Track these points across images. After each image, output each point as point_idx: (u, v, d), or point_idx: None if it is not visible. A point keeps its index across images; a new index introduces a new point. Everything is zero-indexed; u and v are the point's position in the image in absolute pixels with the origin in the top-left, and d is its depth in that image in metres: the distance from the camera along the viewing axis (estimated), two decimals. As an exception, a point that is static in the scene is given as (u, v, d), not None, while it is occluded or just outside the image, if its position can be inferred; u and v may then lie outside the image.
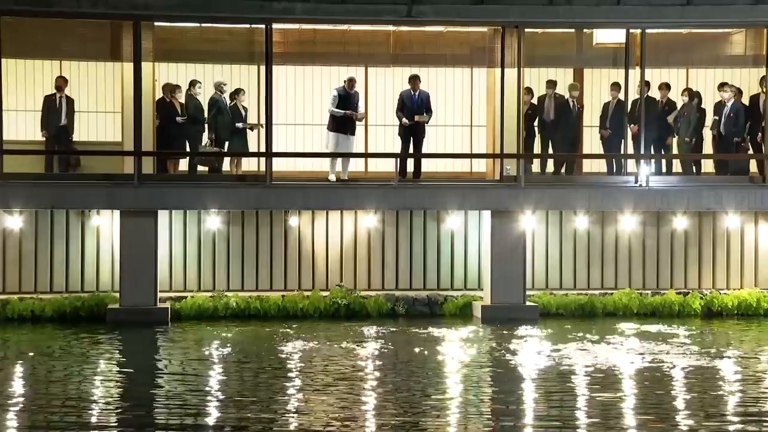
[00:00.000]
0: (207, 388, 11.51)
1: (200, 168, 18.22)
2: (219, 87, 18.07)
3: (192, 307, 17.01)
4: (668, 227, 18.52)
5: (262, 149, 18.15)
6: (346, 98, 18.10)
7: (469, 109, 20.37)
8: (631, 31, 18.20)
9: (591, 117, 19.43)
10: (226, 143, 18.10)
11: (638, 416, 10.47)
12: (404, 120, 18.24)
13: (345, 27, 18.57)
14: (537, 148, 19.22)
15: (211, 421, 9.82)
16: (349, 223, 18.22)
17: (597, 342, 14.94)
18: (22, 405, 10.80)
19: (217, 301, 17.12)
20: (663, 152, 19.21)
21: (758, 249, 18.70)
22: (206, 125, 17.91)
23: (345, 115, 17.87)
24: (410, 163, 18.48)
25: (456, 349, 14.47)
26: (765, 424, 10.05)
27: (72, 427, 9.78)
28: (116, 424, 9.99)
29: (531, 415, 10.51)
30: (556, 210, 18.17)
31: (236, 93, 18.64)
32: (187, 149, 18.08)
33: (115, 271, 17.42)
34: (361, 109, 18.43)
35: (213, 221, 17.75)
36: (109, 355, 14.13)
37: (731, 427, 10.01)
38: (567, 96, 18.95)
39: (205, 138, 17.91)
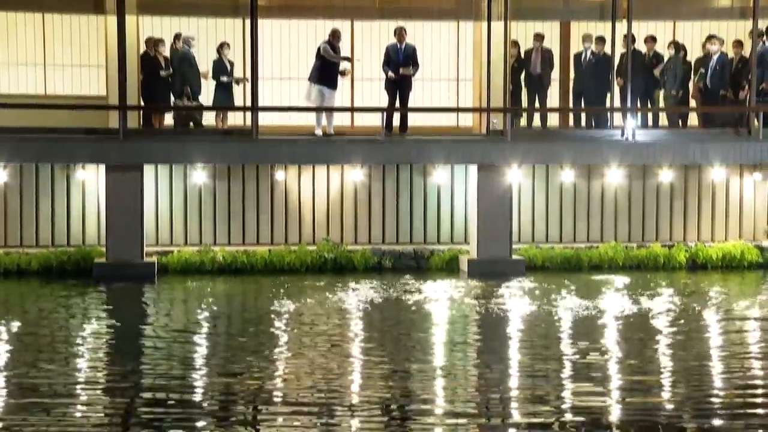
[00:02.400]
0: (191, 350, 11.40)
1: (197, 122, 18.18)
2: (187, 41, 17.97)
3: (179, 262, 16.91)
4: (654, 180, 18.41)
5: (248, 104, 17.98)
6: (333, 51, 18.06)
7: (455, 63, 20.24)
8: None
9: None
10: (200, 96, 18.12)
11: (625, 371, 10.50)
12: (390, 74, 18.14)
13: (330, -20, 18.52)
14: (524, 103, 19.15)
15: (195, 390, 9.66)
16: (335, 178, 18.08)
17: (583, 294, 14.99)
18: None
19: (204, 256, 17.03)
20: (649, 105, 19.28)
21: (743, 202, 18.65)
22: (177, 79, 17.84)
23: (343, 60, 17.79)
24: (396, 118, 18.40)
25: (442, 302, 14.46)
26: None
27: (58, 387, 9.74)
28: (102, 384, 9.93)
29: (516, 369, 10.51)
30: (542, 164, 18.00)
31: (221, 47, 18.52)
32: (172, 104, 18.05)
33: (101, 226, 17.25)
34: (343, 63, 18.35)
35: (199, 176, 17.55)
36: (95, 310, 14.10)
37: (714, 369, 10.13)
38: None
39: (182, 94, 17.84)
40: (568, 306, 13.90)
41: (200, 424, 8.25)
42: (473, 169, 17.56)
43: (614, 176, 18.21)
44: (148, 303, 14.74)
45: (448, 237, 18.22)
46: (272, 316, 13.32)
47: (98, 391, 9.46)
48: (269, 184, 17.89)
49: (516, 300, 14.48)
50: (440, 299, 14.60)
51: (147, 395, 9.13)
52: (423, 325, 12.85)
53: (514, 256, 17.38)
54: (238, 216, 17.84)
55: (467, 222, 18.04)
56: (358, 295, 14.79)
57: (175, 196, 17.78)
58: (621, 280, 16.38)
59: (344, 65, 18.24)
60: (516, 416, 8.55)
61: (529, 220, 18.41)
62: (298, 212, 18.00)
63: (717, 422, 8.37)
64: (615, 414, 8.61)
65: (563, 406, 8.83)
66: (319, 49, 18.15)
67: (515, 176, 17.56)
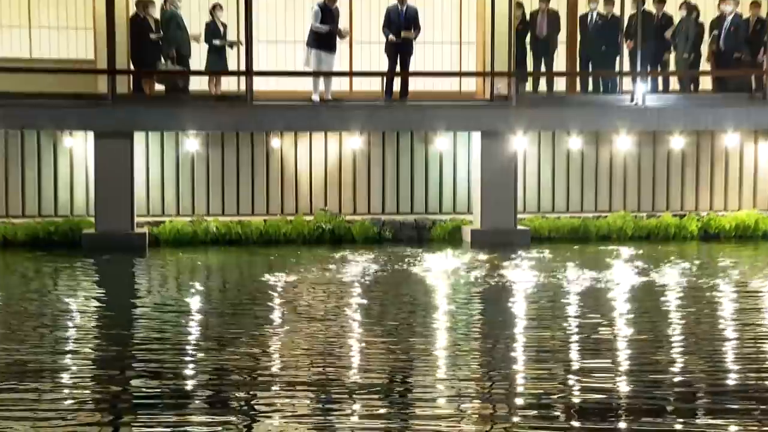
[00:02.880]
0: (182, 326, 11.16)
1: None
2: (173, 2, 17.73)
3: (170, 233, 16.76)
4: (665, 147, 18.20)
5: (242, 68, 17.74)
6: (328, 14, 17.67)
7: (458, 26, 20.13)
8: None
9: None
10: (189, 60, 17.92)
11: (633, 342, 10.28)
12: (391, 37, 17.91)
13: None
14: (529, 67, 18.97)
15: (187, 370, 9.37)
16: (333, 145, 17.88)
17: (590, 266, 14.81)
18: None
19: (197, 226, 16.90)
20: (660, 69, 19.09)
21: (757, 169, 18.40)
22: (165, 42, 17.64)
23: (330, 31, 17.48)
24: (397, 83, 18.18)
25: (444, 274, 14.31)
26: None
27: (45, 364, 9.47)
28: (91, 358, 9.68)
29: (521, 345, 10.30)
30: (548, 131, 17.83)
31: (214, 8, 18.33)
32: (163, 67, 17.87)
33: (90, 195, 17.06)
34: (342, 25, 18.07)
35: (191, 143, 17.36)
36: (84, 282, 13.89)
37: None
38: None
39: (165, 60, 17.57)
40: (575, 278, 13.80)
41: (191, 405, 8.01)
42: (476, 136, 17.40)
43: (623, 143, 18.06)
44: (138, 275, 14.66)
45: (450, 207, 18.15)
46: (267, 289, 13.17)
47: (85, 370, 9.19)
48: (264, 152, 17.74)
49: (521, 272, 14.36)
50: (442, 271, 14.48)
51: (135, 376, 8.87)
52: (424, 299, 12.70)
53: (519, 227, 17.30)
54: (232, 185, 17.73)
55: (470, 191, 17.95)
56: (356, 268, 14.64)
57: (166, 164, 17.61)
58: (630, 251, 16.25)
59: (344, 29, 17.96)
60: (521, 399, 8.31)
61: (535, 189, 18.31)
62: (294, 181, 17.88)
63: (731, 404, 8.08)
64: (623, 394, 8.36)
65: (571, 386, 8.59)
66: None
67: (520, 143, 17.44)
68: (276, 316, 11.66)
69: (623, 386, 8.60)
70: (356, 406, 8.05)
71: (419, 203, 18.08)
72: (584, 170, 18.31)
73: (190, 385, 8.74)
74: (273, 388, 8.61)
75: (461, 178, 18.10)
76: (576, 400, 8.22)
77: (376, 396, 8.35)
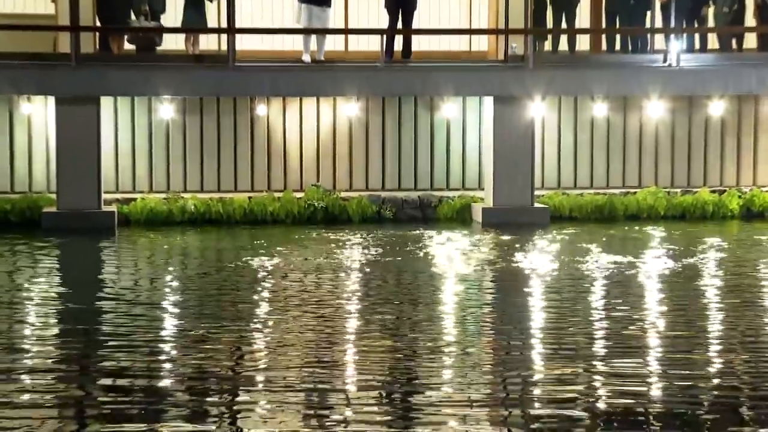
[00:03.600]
0: (155, 319, 10.98)
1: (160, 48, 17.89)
2: None
3: (142, 211, 16.84)
4: (702, 114, 18.25)
5: (224, 25, 17.86)
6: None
7: (468, -24, 20.30)
8: None
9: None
10: (162, 16, 17.86)
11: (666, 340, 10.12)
12: (391, -11, 18.01)
13: None
14: (549, 23, 18.83)
15: (161, 372, 9.18)
16: (326, 112, 17.94)
17: (618, 249, 14.71)
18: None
19: (172, 204, 16.96)
20: (697, 25, 19.03)
21: (808, 139, 18.64)
22: None
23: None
24: (398, 41, 18.20)
25: (452, 259, 14.21)
26: None
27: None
28: (51, 362, 9.49)
29: (538, 343, 10.14)
30: (570, 95, 17.91)
31: (192, -43, 18.16)
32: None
33: (51, 169, 17.06)
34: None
35: (166, 110, 17.37)
36: (43, 268, 13.71)
37: None
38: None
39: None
40: (600, 264, 13.66)
41: (164, 414, 7.84)
42: (488, 101, 17.40)
43: (655, 109, 18.08)
44: (105, 260, 14.55)
45: (459, 182, 18.29)
46: (252, 276, 13.06)
47: (42, 371, 9.03)
48: (248, 120, 17.81)
49: (539, 256, 14.29)
50: (450, 255, 14.45)
51: (104, 380, 8.69)
52: (430, 288, 12.55)
53: (537, 204, 17.37)
54: (212, 158, 17.78)
55: (482, 164, 18.03)
56: (353, 252, 14.61)
57: (137, 134, 17.65)
58: (662, 232, 16.27)
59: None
60: (538, 404, 8.14)
61: (555, 162, 18.39)
62: (282, 153, 17.92)
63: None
64: (654, 401, 8.20)
65: (595, 390, 8.42)
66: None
67: (538, 110, 17.46)
68: (262, 308, 11.49)
69: (654, 391, 8.44)
70: (352, 414, 7.89)
71: (424, 178, 18.17)
72: (610, 140, 18.42)
73: (163, 389, 8.58)
74: (257, 392, 8.45)
75: (471, 149, 18.18)
76: (601, 406, 8.06)
77: (373, 402, 8.19)
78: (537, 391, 8.47)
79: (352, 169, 18.05)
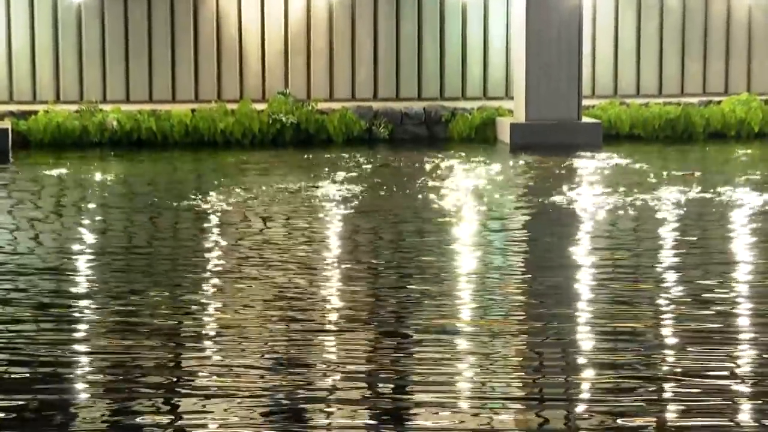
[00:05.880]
0: (63, 281, 10.59)
1: None
2: None
3: (46, 129, 17.00)
4: None
5: None
6: None
7: None
8: None
9: None
10: None
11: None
12: None
13: None
14: None
15: (75, 354, 8.75)
16: None
17: (696, 179, 14.57)
18: None
19: (87, 120, 17.05)
20: None
21: None
22: None
23: None
24: None
25: (469, 194, 14.01)
26: None
27: None
28: None
29: (583, 314, 9.76)
30: None
31: None
32: None
33: None
34: None
35: None
36: None
37: None
38: None
39: None
40: (671, 200, 13.44)
41: (78, 419, 7.48)
42: None
43: None
44: None
45: (479, 89, 18.51)
46: (196, 219, 12.91)
47: None
48: (191, 7, 18.01)
49: (587, 191, 14.18)
50: (466, 189, 14.29)
51: None
52: (438, 238, 12.20)
53: (585, 119, 17.46)
54: (141, 57, 18.01)
55: (509, 65, 18.24)
56: (334, 185, 14.47)
57: (39, 26, 17.86)
58: (758, 154, 16.44)
59: None
60: (581, 405, 7.76)
61: (610, 62, 18.71)
62: (238, 51, 18.17)
63: None
64: (743, 408, 7.82)
65: (660, 393, 8.02)
66: None
67: None
68: (210, 267, 11.13)
69: (742, 407, 8.06)
70: (333, 412, 7.54)
71: (430, 84, 18.43)
72: (686, 32, 18.68)
73: (80, 384, 8.22)
74: (207, 383, 8.08)
75: (495, 45, 18.45)
76: (671, 418, 7.67)
77: (362, 396, 7.83)
78: (579, 392, 8.12)
79: (332, 71, 18.23)
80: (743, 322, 9.26)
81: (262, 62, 18.11)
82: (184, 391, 7.72)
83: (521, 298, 10.04)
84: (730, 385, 7.77)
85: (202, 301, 9.83)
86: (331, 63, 18.22)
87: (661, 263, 11.06)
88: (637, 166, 15.54)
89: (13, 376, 8.11)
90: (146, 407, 7.40)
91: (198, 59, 18.01)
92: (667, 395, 7.67)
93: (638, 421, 7.04)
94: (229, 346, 8.59)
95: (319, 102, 17.69)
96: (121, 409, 7.35)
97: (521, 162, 15.99)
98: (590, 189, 14.23)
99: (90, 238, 12.27)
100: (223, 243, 11.87)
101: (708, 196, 13.62)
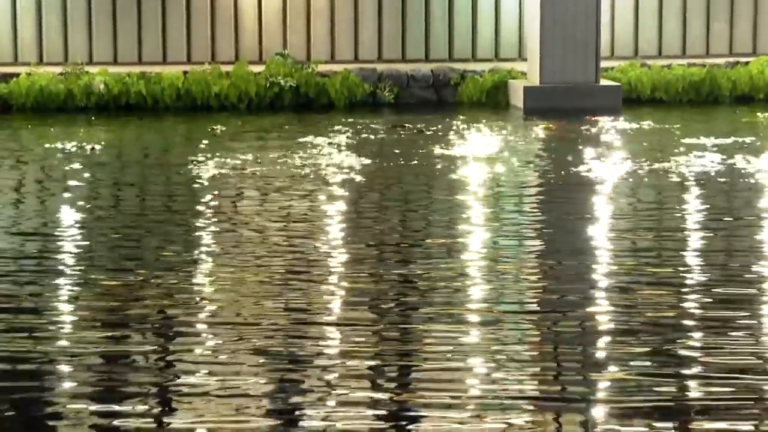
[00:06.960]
0: (47, 258, 10.20)
1: None
2: None
3: (29, 93, 17.12)
4: None
5: None
6: None
7: None
8: None
9: None
10: None
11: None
12: None
13: None
14: None
15: (58, 340, 8.19)
16: None
17: (722, 147, 14.31)
18: None
19: (72, 83, 17.14)
20: None
21: None
22: None
23: None
24: None
25: (479, 162, 13.81)
26: None
27: None
28: None
29: (602, 294, 9.16)
30: None
31: None
32: None
33: None
34: None
35: None
36: None
37: None
38: None
39: None
40: (695, 169, 13.22)
41: (61, 420, 6.92)
42: None
43: None
44: None
45: (490, 50, 18.68)
46: (190, 189, 12.70)
47: None
48: None
49: (606, 157, 14.07)
50: (476, 156, 14.18)
51: None
52: (446, 213, 11.89)
53: (604, 81, 17.58)
54: (129, 15, 18.15)
55: (522, 24, 18.46)
56: (335, 153, 14.38)
57: None
58: None
59: None
60: (600, 396, 7.17)
61: (631, 20, 18.87)
62: (233, 9, 18.35)
63: None
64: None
65: (687, 388, 7.42)
66: None
67: None
68: (204, 241, 10.68)
69: None
70: (333, 404, 6.95)
71: (438, 45, 18.60)
72: None
73: (66, 378, 7.64)
74: (193, 379, 7.51)
75: (508, 3, 18.71)
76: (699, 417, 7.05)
77: (363, 391, 7.23)
78: (601, 390, 7.51)
79: (333, 31, 18.36)
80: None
81: (258, 21, 18.26)
82: (174, 388, 7.38)
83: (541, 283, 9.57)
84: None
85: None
86: (333, 22, 18.34)
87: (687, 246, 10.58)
88: (658, 131, 15.51)
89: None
90: (134, 403, 7.09)
91: (190, 18, 18.16)
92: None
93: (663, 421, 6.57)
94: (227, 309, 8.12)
95: (320, 64, 17.72)
96: (107, 405, 7.08)
97: (535, 126, 15.86)
98: (608, 156, 14.05)
99: (69, 197, 12.20)
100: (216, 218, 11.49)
101: (731, 165, 13.40)
